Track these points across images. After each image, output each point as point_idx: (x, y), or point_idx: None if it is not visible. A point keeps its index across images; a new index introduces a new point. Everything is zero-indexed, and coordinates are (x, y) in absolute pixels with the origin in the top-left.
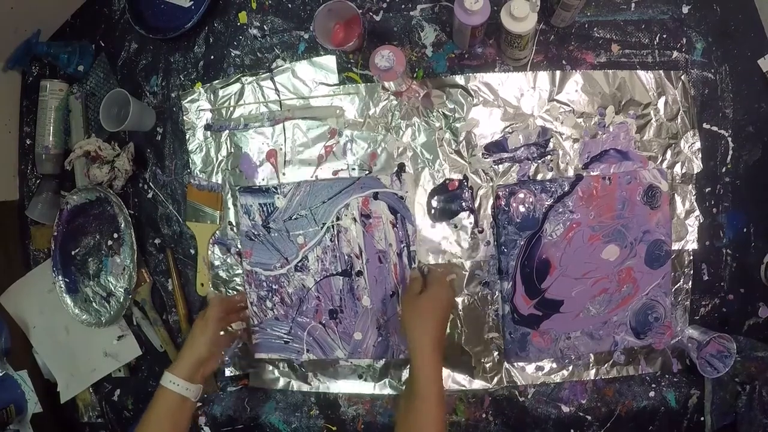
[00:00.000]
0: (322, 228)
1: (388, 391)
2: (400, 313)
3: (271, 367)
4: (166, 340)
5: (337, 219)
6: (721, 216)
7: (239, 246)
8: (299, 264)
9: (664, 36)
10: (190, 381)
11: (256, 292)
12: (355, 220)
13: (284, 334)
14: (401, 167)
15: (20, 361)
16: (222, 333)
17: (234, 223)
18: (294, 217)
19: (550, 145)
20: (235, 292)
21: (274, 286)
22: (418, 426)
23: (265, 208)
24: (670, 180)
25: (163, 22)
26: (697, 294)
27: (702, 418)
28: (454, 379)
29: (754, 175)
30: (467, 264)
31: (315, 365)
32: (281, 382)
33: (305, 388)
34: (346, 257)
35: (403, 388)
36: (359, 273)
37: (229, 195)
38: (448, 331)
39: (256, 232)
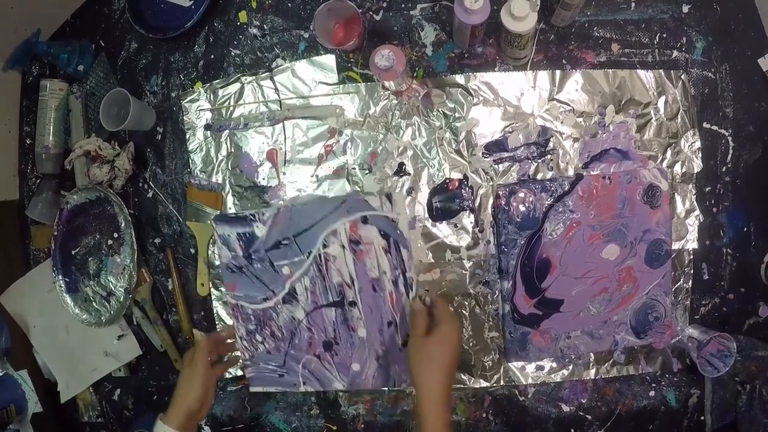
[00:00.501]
0: (308, 257)
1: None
2: (406, 354)
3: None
4: (167, 339)
5: (324, 246)
6: (722, 215)
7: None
8: (286, 296)
9: (664, 35)
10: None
11: (244, 326)
12: (343, 247)
13: (278, 367)
14: (401, 167)
15: (20, 361)
16: (213, 365)
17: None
18: (276, 246)
19: (550, 144)
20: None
21: (262, 320)
22: None
23: (244, 238)
24: (670, 179)
25: (163, 21)
26: (697, 293)
27: (702, 418)
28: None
29: (754, 175)
30: (467, 263)
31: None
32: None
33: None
34: (336, 287)
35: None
36: (353, 303)
37: (229, 194)
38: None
39: (237, 264)
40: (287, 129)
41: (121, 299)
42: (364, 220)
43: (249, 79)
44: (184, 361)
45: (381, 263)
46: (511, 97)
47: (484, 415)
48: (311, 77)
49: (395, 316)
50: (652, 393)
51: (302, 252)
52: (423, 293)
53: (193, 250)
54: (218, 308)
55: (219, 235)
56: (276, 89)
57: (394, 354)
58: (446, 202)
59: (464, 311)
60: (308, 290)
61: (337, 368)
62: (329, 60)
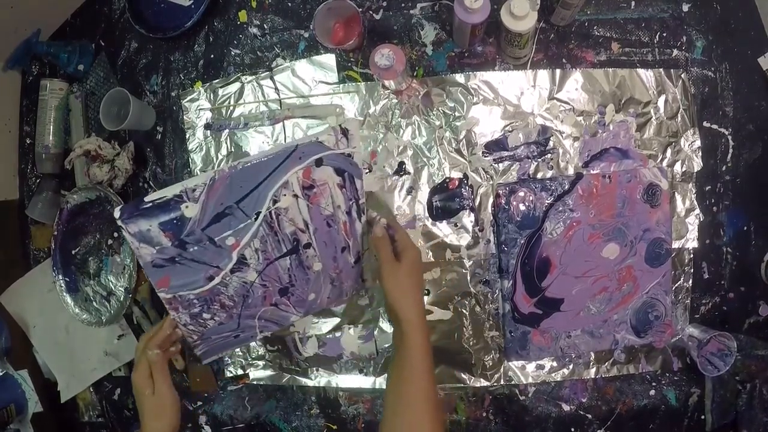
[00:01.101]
0: (255, 219)
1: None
2: (380, 281)
3: (272, 364)
4: None
5: (275, 202)
6: (722, 214)
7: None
8: (235, 266)
9: (664, 34)
10: None
11: (187, 311)
12: (296, 196)
13: (232, 331)
14: (401, 166)
15: (20, 361)
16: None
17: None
18: (216, 220)
19: (550, 143)
20: None
21: (208, 298)
22: (411, 397)
23: (170, 226)
24: (670, 178)
25: (163, 21)
26: (697, 292)
27: (702, 417)
28: (454, 378)
29: (754, 174)
30: (468, 262)
31: (316, 361)
32: (282, 378)
33: (306, 383)
34: (290, 236)
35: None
36: (307, 245)
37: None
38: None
39: (166, 257)
40: (287, 128)
41: (122, 299)
42: (318, 162)
43: (249, 78)
44: (140, 385)
45: (335, 199)
46: (511, 96)
47: (484, 414)
48: (311, 77)
49: (348, 241)
50: (652, 392)
51: (248, 216)
52: (376, 216)
53: None
54: None
55: (132, 234)
56: (276, 89)
57: (347, 271)
58: (446, 201)
59: (464, 310)
60: (259, 251)
61: (294, 306)
62: (329, 59)
